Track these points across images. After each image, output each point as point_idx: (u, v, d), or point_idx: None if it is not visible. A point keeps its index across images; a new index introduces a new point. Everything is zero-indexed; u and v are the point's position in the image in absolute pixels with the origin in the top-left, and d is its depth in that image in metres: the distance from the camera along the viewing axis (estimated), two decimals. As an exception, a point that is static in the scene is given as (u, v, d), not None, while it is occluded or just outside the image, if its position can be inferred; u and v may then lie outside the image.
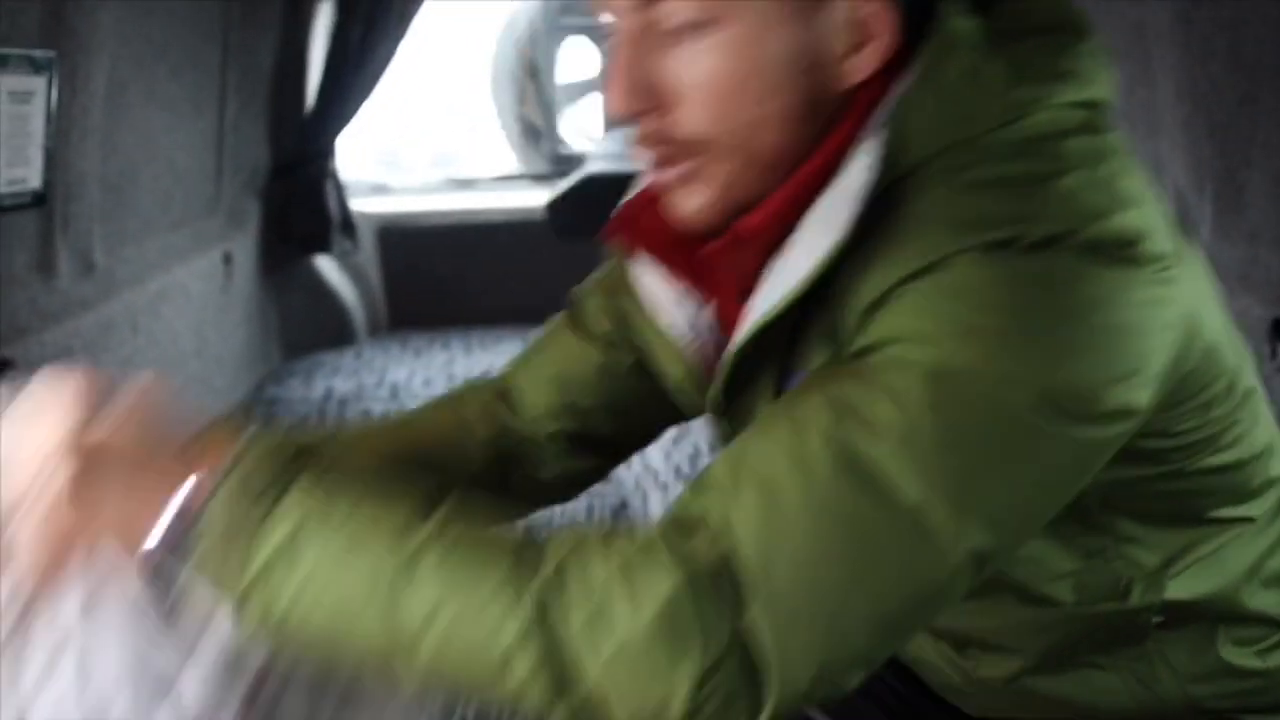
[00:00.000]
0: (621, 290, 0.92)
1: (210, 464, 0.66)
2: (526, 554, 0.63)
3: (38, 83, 1.82)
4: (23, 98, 1.78)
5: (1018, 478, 0.64)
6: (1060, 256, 0.65)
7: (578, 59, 4.84)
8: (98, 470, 0.66)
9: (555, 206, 3.83)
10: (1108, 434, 0.67)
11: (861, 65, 0.70)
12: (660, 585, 0.61)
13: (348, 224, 3.53)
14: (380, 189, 4.22)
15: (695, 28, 0.68)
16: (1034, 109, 0.69)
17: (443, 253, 3.76)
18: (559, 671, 0.61)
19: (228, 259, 2.97)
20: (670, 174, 0.73)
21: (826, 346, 0.71)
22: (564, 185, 3.91)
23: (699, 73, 0.69)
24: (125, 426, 0.69)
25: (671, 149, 0.72)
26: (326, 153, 3.45)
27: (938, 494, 0.62)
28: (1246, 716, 0.85)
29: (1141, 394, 0.67)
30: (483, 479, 0.93)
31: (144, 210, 2.46)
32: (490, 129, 4.74)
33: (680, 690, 0.60)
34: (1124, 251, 0.66)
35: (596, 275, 0.99)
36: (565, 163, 4.37)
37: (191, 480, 0.65)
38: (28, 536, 0.65)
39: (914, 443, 0.62)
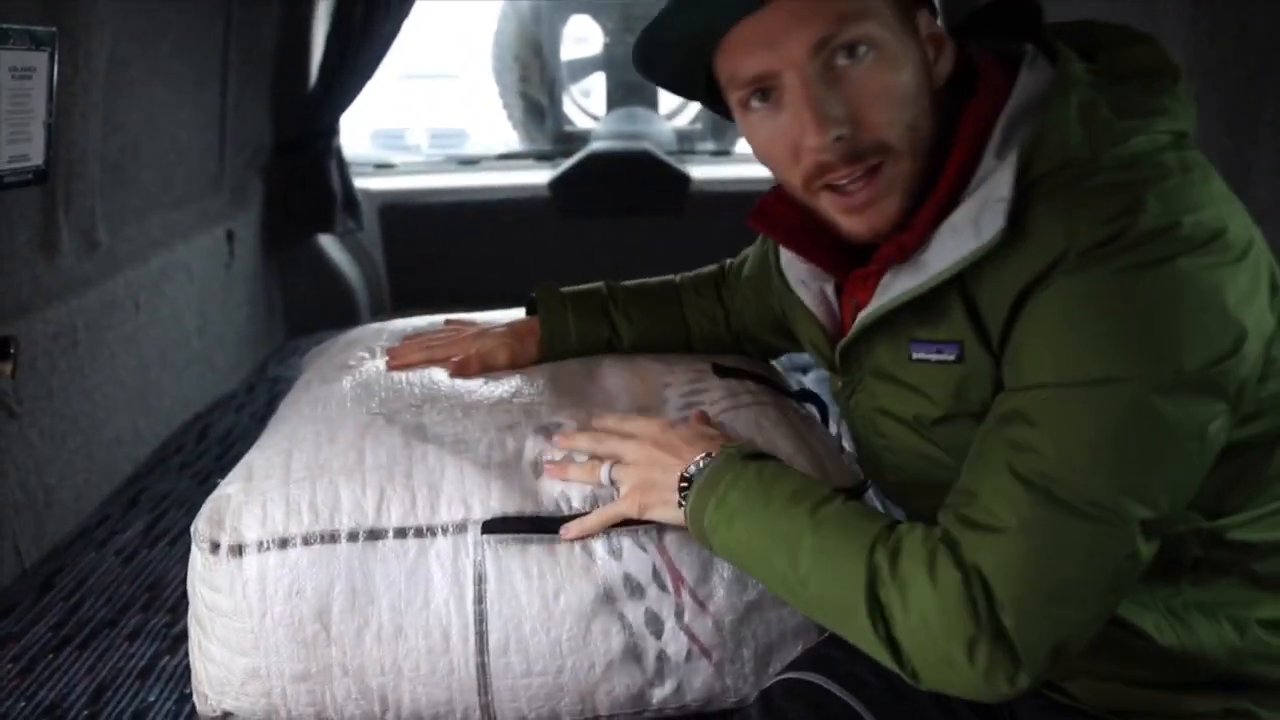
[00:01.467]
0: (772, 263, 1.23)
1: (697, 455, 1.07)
2: (878, 535, 0.91)
3: (39, 58, 1.81)
4: (24, 74, 1.77)
5: (1163, 459, 0.83)
6: (1166, 246, 0.82)
7: (580, 37, 4.81)
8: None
9: (558, 185, 3.83)
10: (1227, 407, 0.84)
11: (942, 70, 0.95)
12: (949, 576, 0.86)
13: (351, 202, 3.52)
14: (383, 167, 4.21)
15: (862, 55, 0.90)
16: (1135, 135, 0.87)
17: (446, 231, 3.75)
18: (883, 626, 0.89)
19: (230, 237, 2.96)
20: (861, 195, 0.94)
21: (940, 322, 0.94)
22: (567, 164, 3.90)
23: (872, 88, 0.90)
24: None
25: (863, 161, 0.92)
26: (329, 131, 3.44)
27: (1103, 490, 0.82)
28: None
29: (1246, 367, 0.84)
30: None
31: (146, 188, 2.45)
32: (493, 107, 4.72)
33: (958, 652, 0.85)
34: (1217, 241, 0.83)
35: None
36: (568, 141, 4.36)
37: (691, 465, 1.06)
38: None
39: (1072, 457, 0.83)
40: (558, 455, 1.19)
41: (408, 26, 3.41)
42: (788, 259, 1.15)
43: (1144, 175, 0.85)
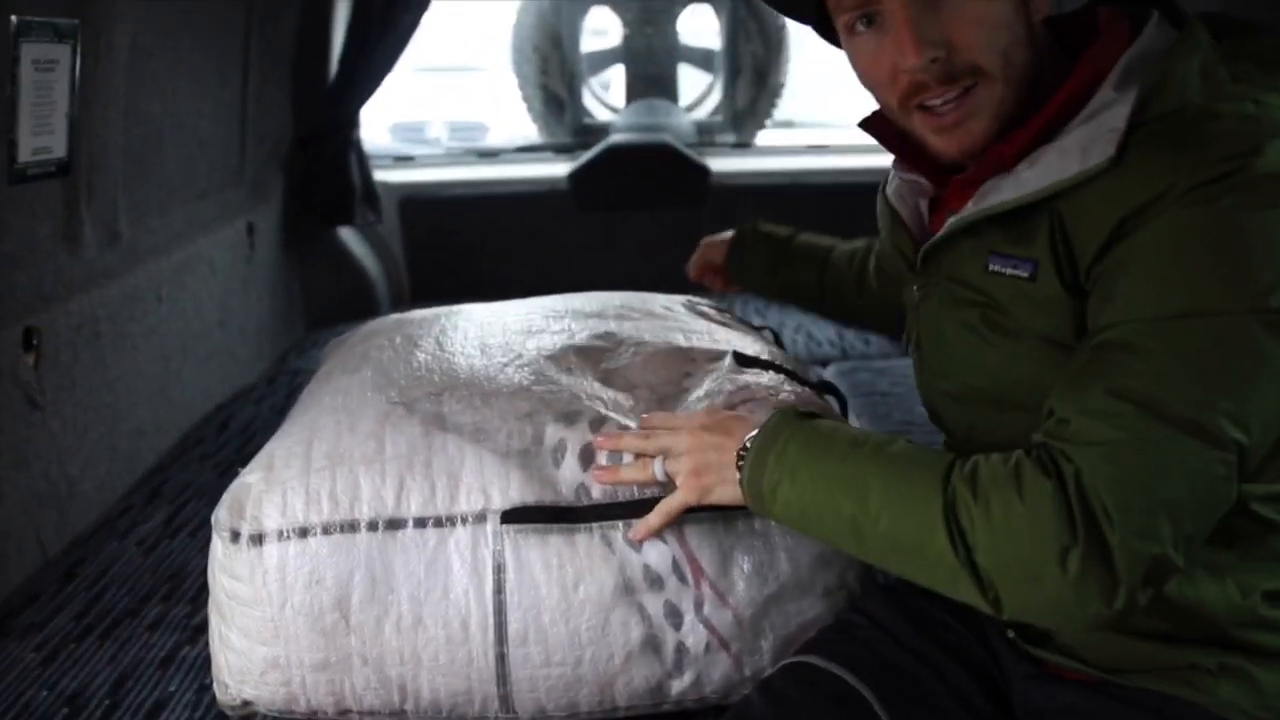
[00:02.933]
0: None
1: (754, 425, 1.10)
2: (952, 462, 0.94)
3: (62, 51, 1.82)
4: (47, 66, 1.78)
5: (1259, 389, 0.87)
6: (1269, 189, 0.87)
7: (599, 29, 4.81)
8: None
9: (578, 177, 3.82)
10: None
11: (1040, 4, 1.00)
12: (1039, 485, 0.88)
13: (370, 195, 3.53)
14: (403, 160, 4.21)
15: None
16: (1246, 98, 0.92)
17: (465, 224, 3.75)
18: (963, 550, 0.90)
19: (251, 230, 2.97)
20: (952, 115, 0.99)
21: (1023, 239, 0.98)
22: (586, 156, 3.89)
23: (968, 15, 0.96)
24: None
25: (957, 82, 0.98)
26: (350, 123, 3.44)
27: (1204, 410, 0.85)
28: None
29: None
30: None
31: (168, 180, 2.46)
32: (512, 100, 4.71)
33: (1049, 564, 0.85)
34: None
35: None
36: (588, 133, 4.35)
37: (745, 440, 1.08)
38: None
39: (1173, 378, 0.86)
40: (603, 458, 1.19)
41: (427, 19, 3.41)
42: (894, 182, 1.20)
43: (1262, 128, 0.90)
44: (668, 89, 4.50)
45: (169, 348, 2.37)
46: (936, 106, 1.00)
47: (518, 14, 4.60)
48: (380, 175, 3.66)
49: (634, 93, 4.51)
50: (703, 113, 4.63)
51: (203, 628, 1.60)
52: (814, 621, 1.23)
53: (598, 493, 1.19)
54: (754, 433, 1.08)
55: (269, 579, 1.16)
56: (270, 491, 1.18)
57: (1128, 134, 0.92)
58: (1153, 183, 0.89)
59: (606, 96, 4.76)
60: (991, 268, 1.01)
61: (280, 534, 1.17)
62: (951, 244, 1.06)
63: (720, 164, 3.90)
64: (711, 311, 1.67)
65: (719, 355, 1.39)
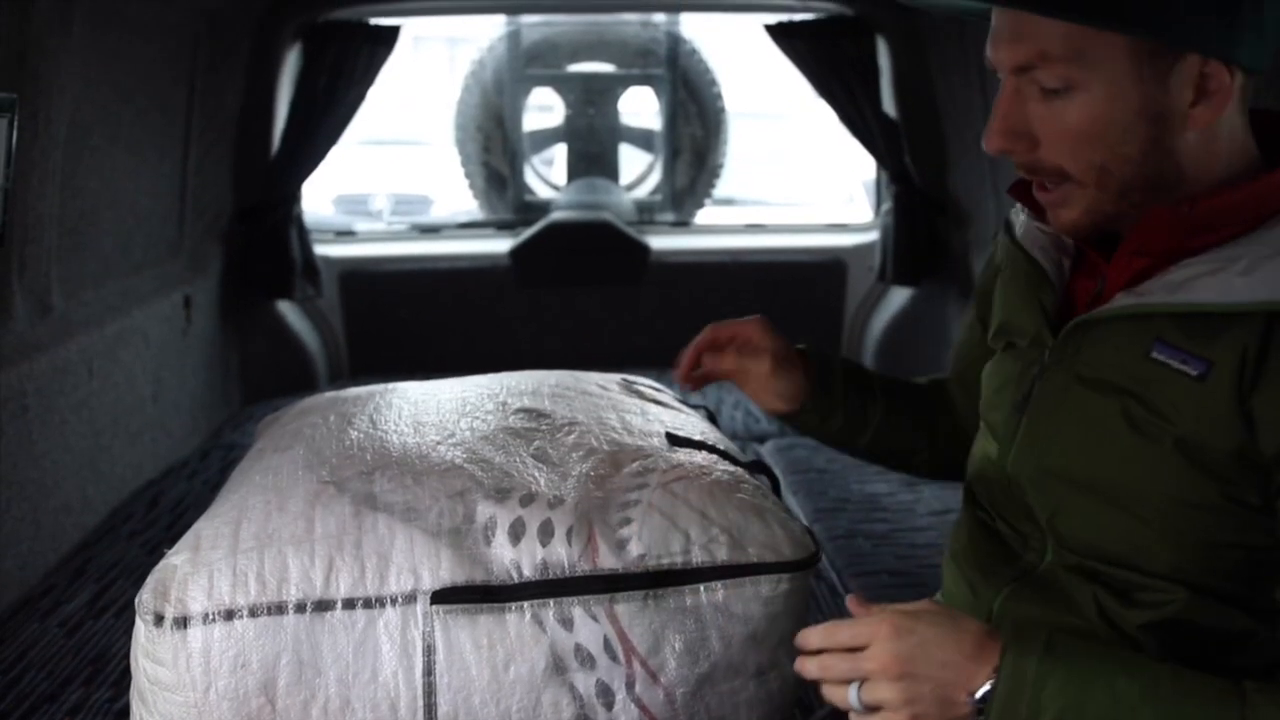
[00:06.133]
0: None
1: (992, 658, 0.87)
2: (1245, 711, 0.81)
3: (-2, 124, 1.81)
4: (-17, 139, 1.78)
5: None
6: None
7: (543, 108, 4.88)
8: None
9: (519, 254, 3.85)
10: None
11: (1205, 115, 0.91)
12: None
13: (310, 269, 3.52)
14: (344, 234, 4.22)
15: (1058, 91, 0.91)
16: None
17: (406, 299, 3.75)
18: None
19: (188, 303, 2.95)
20: (1045, 196, 0.97)
21: (1200, 336, 0.89)
22: (528, 233, 3.93)
23: (1061, 126, 0.92)
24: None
25: (1040, 176, 0.96)
26: (291, 198, 3.45)
27: None
28: None
29: None
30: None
31: (104, 253, 2.44)
32: (456, 174, 4.75)
33: None
34: None
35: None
36: (529, 210, 4.39)
37: (990, 674, 0.87)
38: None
39: None
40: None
41: (372, 94, 3.45)
42: (1027, 229, 1.10)
43: None
44: (608, 168, 4.57)
45: (99, 422, 2.33)
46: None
47: (461, 91, 4.66)
48: (321, 249, 3.66)
49: (575, 171, 4.57)
50: (643, 191, 4.70)
51: (125, 713, 1.55)
52: (750, 702, 1.21)
53: (529, 571, 1.16)
54: (987, 686, 0.87)
55: (193, 663, 1.12)
56: (196, 573, 1.15)
57: None
58: None
59: (548, 174, 4.82)
60: (1154, 355, 0.91)
61: (205, 617, 1.13)
62: (1110, 324, 0.96)
63: (660, 242, 3.96)
64: (647, 390, 1.68)
65: (652, 434, 1.40)
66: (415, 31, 6.10)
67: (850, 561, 2.08)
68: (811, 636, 0.95)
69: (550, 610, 1.16)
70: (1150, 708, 0.83)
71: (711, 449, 1.38)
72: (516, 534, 1.19)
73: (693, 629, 1.21)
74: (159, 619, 1.14)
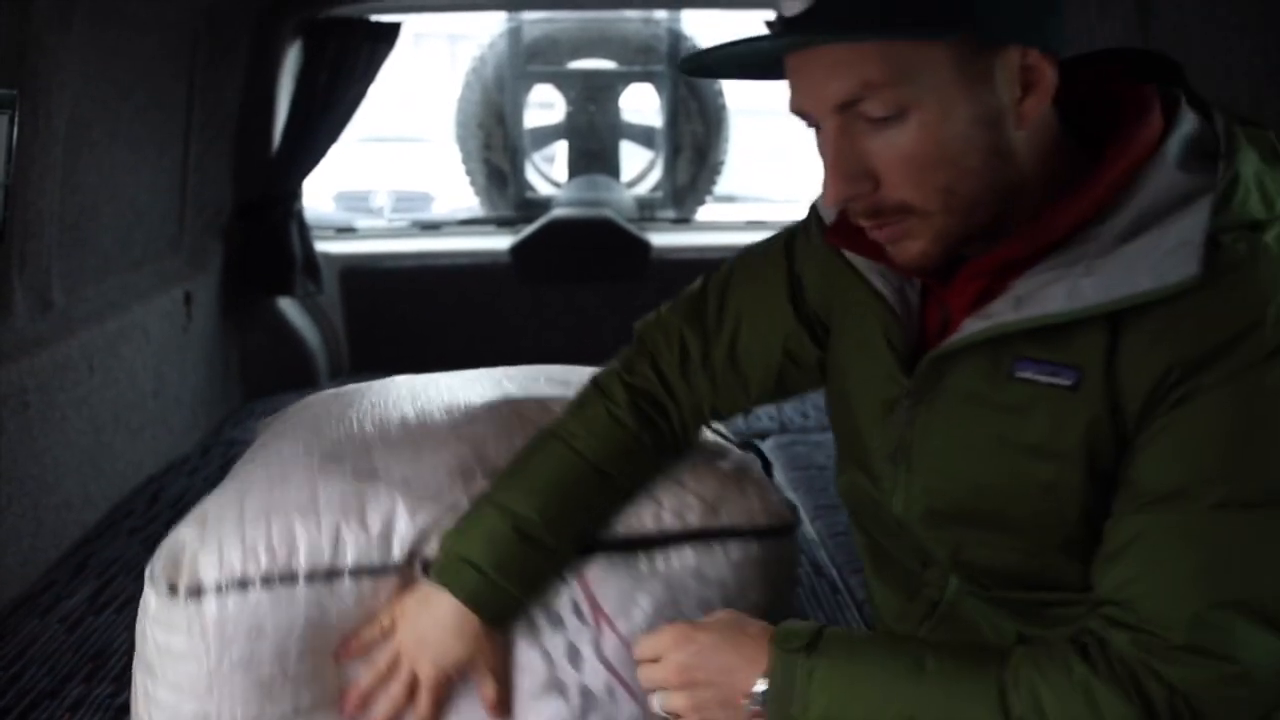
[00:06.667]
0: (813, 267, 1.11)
1: (765, 658, 0.92)
2: (1005, 679, 0.83)
3: (-1, 120, 1.81)
4: (-17, 135, 1.78)
5: None
6: None
7: (544, 105, 4.88)
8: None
9: (519, 251, 3.85)
10: None
11: (1034, 107, 0.85)
12: (1120, 710, 0.80)
13: (311, 265, 3.52)
14: (345, 231, 4.22)
15: (890, 119, 0.83)
16: None
17: (406, 296, 3.75)
18: None
19: (188, 299, 2.95)
20: (884, 233, 0.88)
21: (1061, 343, 0.85)
22: (528, 230, 3.93)
23: (898, 153, 0.84)
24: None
25: (883, 217, 0.87)
26: (291, 194, 3.45)
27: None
28: None
29: None
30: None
31: (104, 249, 2.44)
32: (457, 171, 4.75)
33: None
34: None
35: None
36: (530, 207, 4.39)
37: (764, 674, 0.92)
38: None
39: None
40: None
41: (373, 91, 3.45)
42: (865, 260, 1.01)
43: None
44: (609, 165, 4.57)
45: (100, 418, 2.33)
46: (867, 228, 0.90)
47: (462, 88, 4.66)
48: (322, 246, 3.66)
49: (576, 168, 4.57)
50: (644, 188, 4.70)
51: (126, 709, 1.55)
52: None
53: None
54: (761, 685, 0.92)
55: (208, 632, 1.14)
56: (205, 545, 1.16)
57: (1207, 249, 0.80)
58: (1240, 316, 0.80)
59: (549, 171, 4.82)
60: (1019, 374, 0.87)
61: (219, 587, 1.14)
62: (968, 348, 0.91)
63: (661, 239, 3.96)
64: None
65: None
66: (416, 28, 6.09)
67: (850, 558, 2.08)
68: (642, 649, 1.02)
69: None
70: (912, 683, 0.86)
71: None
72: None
73: (662, 592, 1.23)
74: (172, 589, 1.15)
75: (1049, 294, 0.85)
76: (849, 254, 1.00)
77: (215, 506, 1.23)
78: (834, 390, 1.11)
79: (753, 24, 3.66)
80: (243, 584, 1.15)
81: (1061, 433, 0.86)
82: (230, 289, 3.29)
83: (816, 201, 1.11)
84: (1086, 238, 0.85)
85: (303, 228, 3.50)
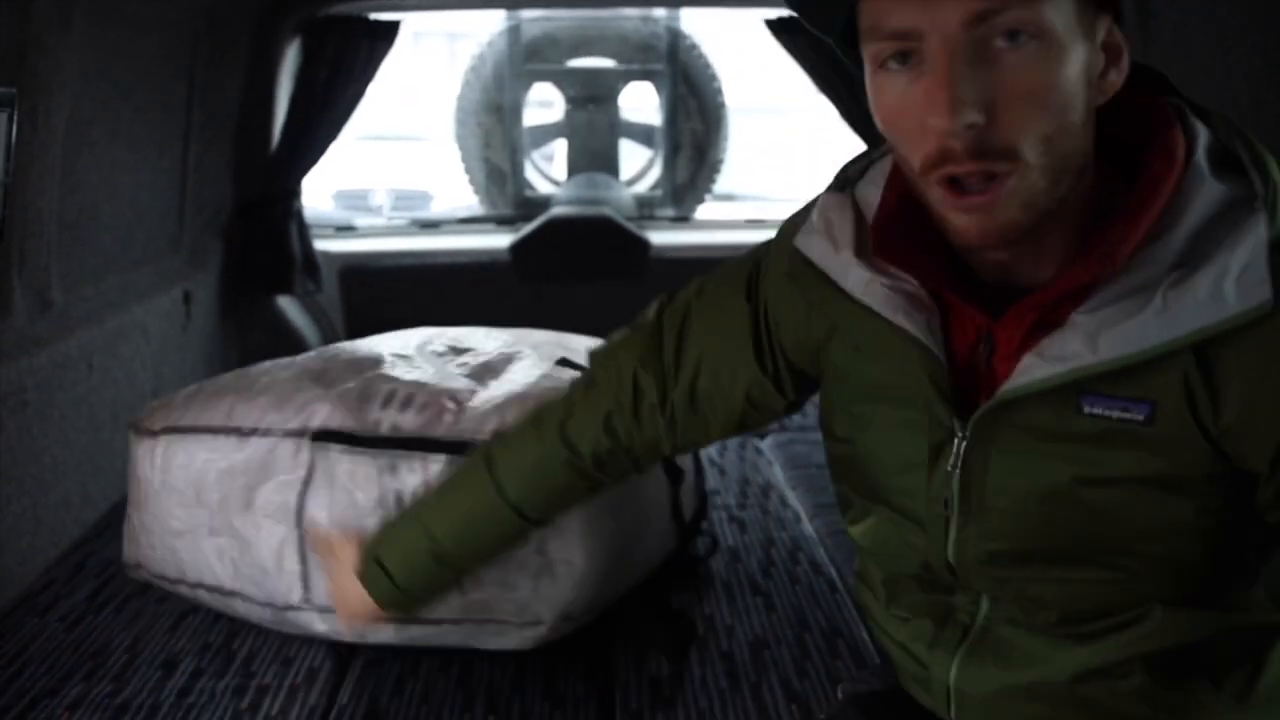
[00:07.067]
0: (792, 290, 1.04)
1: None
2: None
3: (-2, 119, 1.81)
4: (-18, 135, 1.77)
5: None
6: None
7: (543, 103, 4.88)
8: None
9: (519, 249, 3.85)
10: None
11: (1113, 81, 0.83)
12: None
13: (310, 264, 3.52)
14: (344, 229, 4.22)
15: (1016, 44, 0.77)
16: None
17: (405, 294, 3.75)
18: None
19: (188, 298, 2.95)
20: (978, 199, 0.80)
21: (1126, 378, 0.82)
22: (528, 228, 3.93)
23: (1020, 82, 0.77)
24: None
25: (988, 160, 0.79)
26: (291, 193, 3.45)
27: None
28: None
29: None
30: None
31: (104, 248, 2.44)
32: (456, 170, 4.75)
33: None
34: None
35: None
36: (529, 206, 4.39)
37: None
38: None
39: None
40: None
41: (372, 90, 3.45)
42: (860, 281, 0.95)
43: None
44: (609, 163, 4.57)
45: (99, 417, 2.33)
46: (962, 181, 0.81)
47: (461, 87, 4.65)
48: (321, 245, 3.66)
49: (575, 166, 4.57)
50: (643, 187, 4.70)
51: (125, 707, 1.56)
52: (532, 573, 1.57)
53: (385, 428, 1.64)
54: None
55: (156, 462, 1.73)
56: (165, 405, 1.80)
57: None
58: None
59: (548, 169, 4.81)
60: (1088, 410, 0.84)
61: (164, 430, 1.74)
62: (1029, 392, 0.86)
63: (660, 237, 3.96)
64: None
65: (553, 360, 1.83)
66: (415, 26, 6.09)
67: (849, 556, 2.08)
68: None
69: (385, 459, 1.61)
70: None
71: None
72: (396, 402, 1.66)
73: None
74: (136, 429, 1.79)
75: (1125, 331, 0.81)
76: (866, 297, 0.94)
77: (195, 385, 1.85)
78: (842, 438, 1.05)
79: (752, 23, 3.66)
80: (180, 430, 1.73)
81: (1139, 463, 0.84)
82: (230, 288, 3.29)
83: (785, 232, 1.08)
84: (1143, 261, 0.81)
85: (302, 226, 3.50)
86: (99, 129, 2.30)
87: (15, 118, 1.85)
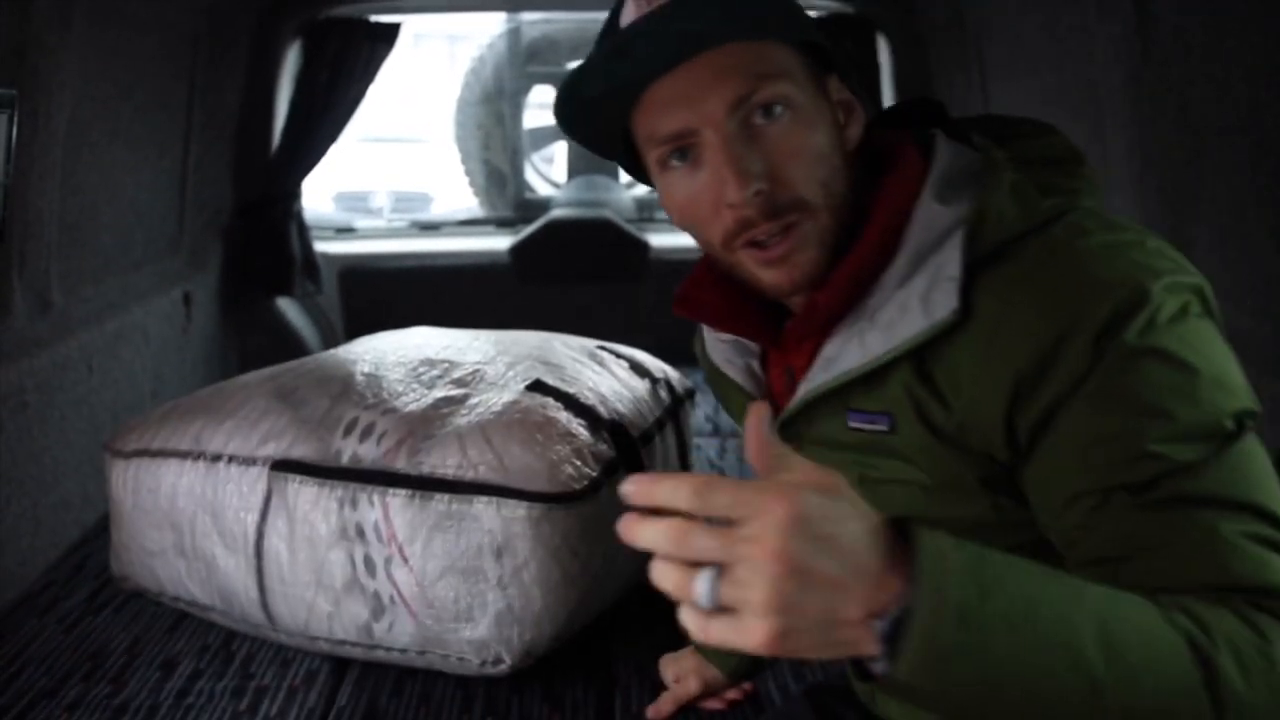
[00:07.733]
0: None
1: (898, 585, 0.62)
2: (1193, 633, 0.69)
3: (-2, 120, 1.81)
4: (-18, 135, 1.77)
5: None
6: (1181, 304, 0.81)
7: (543, 105, 4.88)
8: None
9: (519, 251, 3.85)
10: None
11: (853, 134, 0.95)
12: None
13: (310, 265, 3.52)
14: (344, 231, 4.22)
15: (775, 116, 0.90)
16: (1066, 211, 0.88)
17: (405, 296, 3.75)
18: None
19: (188, 299, 2.95)
20: (779, 249, 0.91)
21: (876, 392, 0.91)
22: (528, 230, 3.93)
23: (789, 146, 0.90)
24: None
25: (781, 217, 0.90)
26: (291, 194, 3.45)
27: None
28: None
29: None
30: None
31: (104, 249, 2.44)
32: (456, 172, 4.75)
33: None
34: (1205, 295, 0.85)
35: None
36: (529, 208, 4.39)
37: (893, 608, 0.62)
38: None
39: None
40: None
41: (372, 92, 3.45)
42: (711, 343, 1.13)
43: (1116, 239, 0.85)
44: (609, 166, 4.57)
45: (99, 418, 2.33)
46: (764, 241, 0.91)
47: (461, 89, 4.66)
48: (321, 246, 3.66)
49: (575, 169, 4.57)
50: (642, 189, 4.70)
51: (124, 708, 1.55)
52: (483, 606, 1.51)
53: (345, 459, 1.61)
54: (898, 609, 0.62)
55: (126, 484, 1.76)
56: (137, 425, 1.80)
57: (967, 278, 0.86)
58: (1040, 330, 0.81)
59: (548, 171, 4.82)
60: (852, 424, 0.94)
61: (135, 453, 1.76)
62: (809, 410, 0.98)
63: (659, 239, 3.96)
64: (609, 357, 1.99)
65: (528, 380, 1.74)
66: (416, 29, 6.09)
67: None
68: (664, 488, 0.62)
69: (343, 490, 1.58)
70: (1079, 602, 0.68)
71: (571, 402, 1.69)
72: (357, 432, 1.64)
73: (448, 530, 1.53)
74: (109, 450, 1.82)
75: (850, 351, 0.92)
76: (714, 355, 1.11)
77: (170, 403, 1.85)
78: None
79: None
80: (149, 454, 1.75)
81: (898, 469, 0.92)
82: (230, 289, 3.29)
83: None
84: (882, 283, 0.91)
85: (302, 228, 3.50)
86: (99, 130, 2.30)
87: (15, 118, 1.85)
